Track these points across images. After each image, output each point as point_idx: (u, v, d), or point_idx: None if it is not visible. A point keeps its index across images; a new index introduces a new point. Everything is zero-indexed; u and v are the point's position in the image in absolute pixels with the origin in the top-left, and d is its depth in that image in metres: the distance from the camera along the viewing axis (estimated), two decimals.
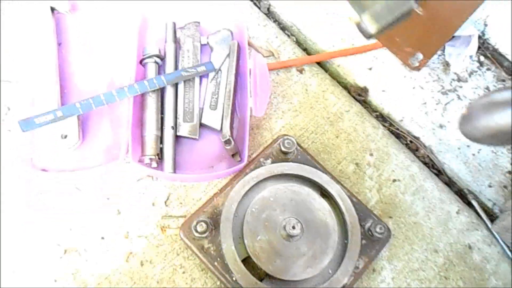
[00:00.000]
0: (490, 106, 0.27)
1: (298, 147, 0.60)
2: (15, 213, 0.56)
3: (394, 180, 0.65)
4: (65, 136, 0.57)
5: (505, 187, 0.67)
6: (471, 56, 0.73)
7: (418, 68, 0.72)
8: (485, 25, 0.74)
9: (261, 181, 0.57)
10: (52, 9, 0.63)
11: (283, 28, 0.77)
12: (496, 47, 0.75)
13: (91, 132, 0.60)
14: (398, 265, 0.60)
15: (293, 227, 0.53)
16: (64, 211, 0.57)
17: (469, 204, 0.66)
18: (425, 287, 0.59)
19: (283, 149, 0.59)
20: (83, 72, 0.64)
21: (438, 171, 0.69)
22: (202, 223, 0.53)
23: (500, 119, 0.26)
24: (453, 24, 0.65)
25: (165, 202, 0.59)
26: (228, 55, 0.65)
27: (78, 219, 0.57)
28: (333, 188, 0.58)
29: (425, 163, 0.69)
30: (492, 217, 0.66)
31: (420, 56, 0.70)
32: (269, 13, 0.78)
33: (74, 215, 0.57)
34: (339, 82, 0.72)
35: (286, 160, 0.59)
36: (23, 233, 0.55)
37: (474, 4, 0.61)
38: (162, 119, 0.61)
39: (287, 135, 0.60)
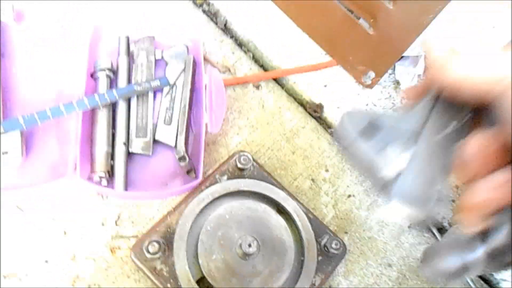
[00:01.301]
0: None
1: (255, 163, 0.60)
2: None
3: (349, 196, 0.66)
4: (6, 153, 0.53)
5: (453, 201, 0.70)
6: (419, 75, 0.76)
7: (370, 86, 0.74)
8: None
9: (216, 198, 0.56)
10: None
11: (240, 44, 0.77)
12: None
13: (35, 148, 0.57)
14: (354, 281, 0.60)
15: (249, 245, 0.52)
16: (4, 233, 0.53)
17: None
18: None
19: (239, 165, 0.58)
20: (29, 85, 0.60)
21: None
22: (154, 243, 0.51)
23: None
24: (401, 44, 0.67)
25: (116, 222, 0.56)
26: (184, 70, 0.64)
27: (19, 241, 0.53)
28: (290, 205, 0.58)
29: None
30: (442, 231, 0.68)
31: (372, 74, 0.72)
32: (226, 29, 0.78)
33: (15, 237, 0.53)
34: (295, 99, 0.73)
35: (242, 177, 0.59)
36: None
37: (420, 27, 0.64)
38: (113, 134, 0.59)
39: (243, 151, 0.59)
